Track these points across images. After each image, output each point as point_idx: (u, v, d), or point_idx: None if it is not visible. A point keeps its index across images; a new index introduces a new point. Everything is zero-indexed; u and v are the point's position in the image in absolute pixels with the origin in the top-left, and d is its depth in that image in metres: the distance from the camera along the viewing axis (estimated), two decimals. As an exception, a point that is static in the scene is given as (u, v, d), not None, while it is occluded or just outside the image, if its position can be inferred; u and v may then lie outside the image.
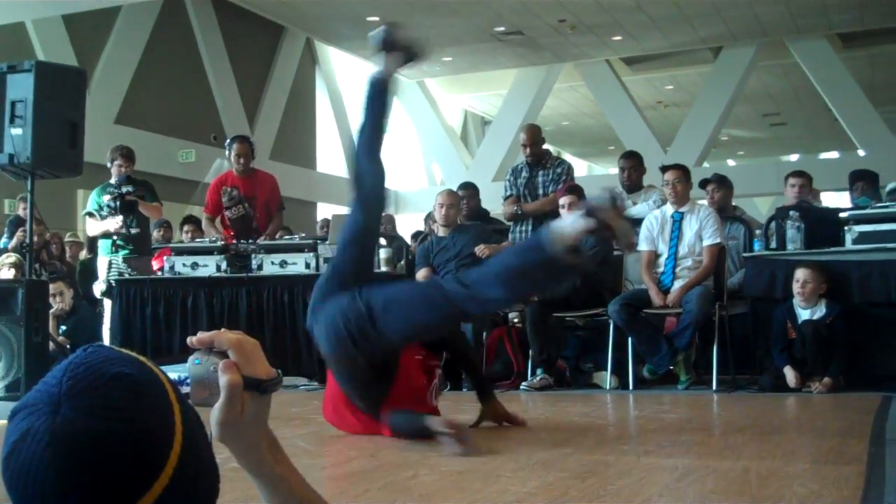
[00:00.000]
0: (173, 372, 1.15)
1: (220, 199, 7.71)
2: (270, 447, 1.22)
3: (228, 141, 7.83)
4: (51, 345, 6.53)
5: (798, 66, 17.63)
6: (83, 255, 9.72)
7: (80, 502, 0.92)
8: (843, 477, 2.89)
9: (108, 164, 7.69)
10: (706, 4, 14.74)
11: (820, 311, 5.91)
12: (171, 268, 7.31)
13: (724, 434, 4.24)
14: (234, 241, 7.40)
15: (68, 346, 7.34)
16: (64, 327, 7.87)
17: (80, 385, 0.95)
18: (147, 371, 1.01)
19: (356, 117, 4.69)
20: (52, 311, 7.09)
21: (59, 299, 7.78)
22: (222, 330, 1.21)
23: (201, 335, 1.20)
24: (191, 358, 1.19)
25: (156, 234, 9.45)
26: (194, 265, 7.26)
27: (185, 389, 1.15)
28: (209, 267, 7.23)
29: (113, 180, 7.61)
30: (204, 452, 1.05)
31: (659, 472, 3.15)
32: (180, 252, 7.42)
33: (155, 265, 7.52)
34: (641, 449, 3.65)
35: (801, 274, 5.93)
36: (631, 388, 6.30)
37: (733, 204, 7.69)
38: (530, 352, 6.57)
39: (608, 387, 6.42)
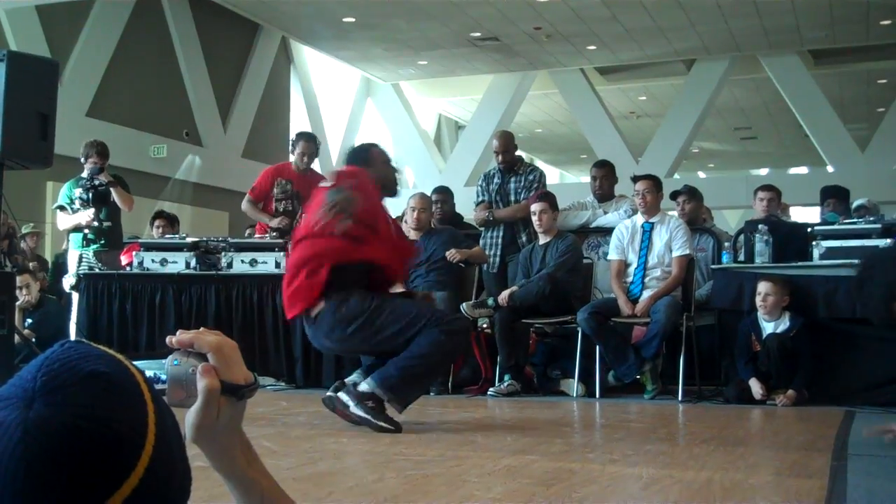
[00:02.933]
0: (149, 370, 1.15)
1: (271, 188, 7.58)
2: (244, 451, 1.23)
3: (294, 137, 7.71)
4: (16, 337, 6.46)
5: (770, 82, 17.80)
6: (47, 247, 9.61)
7: (50, 498, 0.91)
8: (805, 490, 2.92)
9: (82, 160, 7.62)
10: (681, 17, 14.84)
11: (783, 325, 5.96)
12: (140, 263, 7.26)
13: (688, 444, 4.27)
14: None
15: (34, 340, 7.27)
16: (30, 320, 7.80)
17: (55, 382, 0.94)
18: (123, 370, 1.00)
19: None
20: (18, 303, 7.02)
21: (26, 292, 7.71)
22: (202, 330, 1.21)
23: (181, 335, 1.19)
24: (169, 358, 1.18)
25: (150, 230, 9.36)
26: (163, 261, 7.21)
27: (161, 387, 1.15)
28: (178, 263, 7.19)
29: (85, 173, 7.55)
30: (176, 454, 1.04)
31: (623, 481, 3.17)
32: (149, 248, 7.37)
33: (124, 260, 7.47)
34: (607, 457, 3.67)
35: (762, 287, 5.99)
36: (597, 396, 6.33)
37: (707, 208, 7.74)
38: (498, 358, 6.58)
39: (575, 394, 6.44)
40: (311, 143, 7.56)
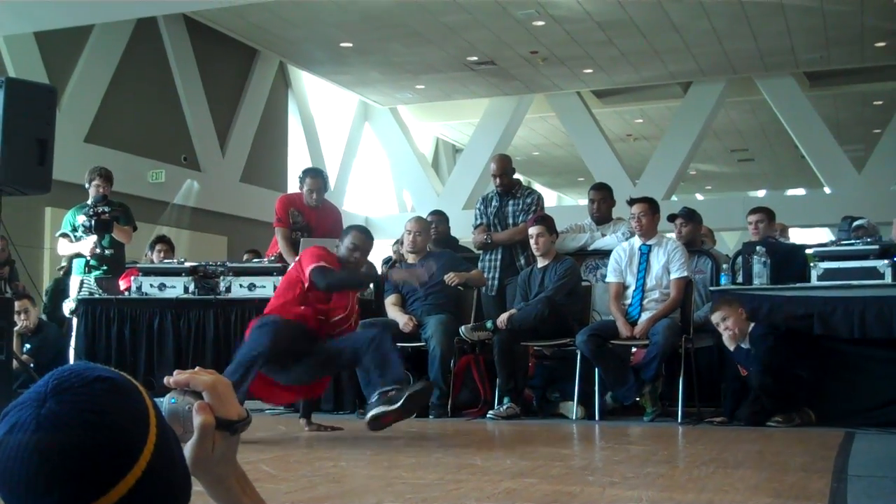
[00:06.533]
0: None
1: (289, 216, 7.38)
2: (239, 480, 1.32)
3: (302, 173, 7.46)
4: (14, 363, 6.45)
5: (766, 103, 17.86)
6: (45, 273, 9.58)
7: (61, 485, 1.01)
8: (805, 511, 2.92)
9: (87, 185, 7.62)
10: (676, 40, 14.92)
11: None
12: (139, 288, 7.25)
13: (688, 467, 4.26)
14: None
15: (32, 365, 7.25)
16: (28, 346, 7.79)
17: (65, 384, 1.05)
18: (126, 380, 1.11)
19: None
20: (16, 328, 7.01)
21: (24, 317, 7.70)
22: (197, 369, 1.31)
23: (178, 376, 1.29)
24: (167, 396, 1.28)
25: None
26: (161, 286, 7.21)
27: None
28: (177, 288, 7.18)
29: (89, 200, 7.55)
30: (177, 454, 1.14)
31: (624, 504, 3.16)
32: (148, 272, 7.36)
33: (122, 285, 7.46)
34: (606, 480, 3.66)
35: (716, 317, 6.02)
36: (597, 418, 6.32)
37: (710, 230, 7.72)
38: (497, 380, 6.57)
39: (574, 417, 6.43)
40: (317, 178, 7.33)
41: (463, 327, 6.66)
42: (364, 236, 5.55)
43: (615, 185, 8.18)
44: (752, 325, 5.98)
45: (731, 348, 5.97)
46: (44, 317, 8.40)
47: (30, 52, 11.99)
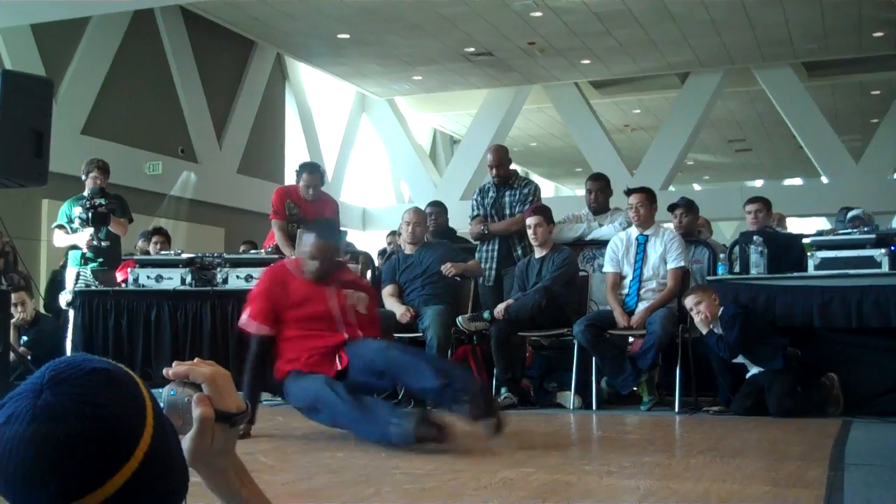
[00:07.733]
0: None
1: (286, 207, 7.32)
2: (238, 472, 1.33)
3: (299, 168, 7.39)
4: (11, 355, 6.45)
5: (763, 94, 17.85)
6: (42, 264, 9.58)
7: (56, 476, 1.00)
8: (802, 501, 2.92)
9: (83, 177, 7.59)
10: (674, 31, 14.90)
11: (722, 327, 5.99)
12: (135, 280, 7.24)
13: (685, 456, 4.27)
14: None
15: (29, 357, 7.24)
16: (25, 338, 7.78)
17: (61, 376, 1.04)
18: (123, 371, 1.10)
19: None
20: (13, 320, 7.00)
21: (21, 309, 7.69)
22: (196, 361, 1.31)
23: (177, 368, 1.29)
24: (166, 388, 1.28)
25: (141, 243, 9.29)
26: (158, 277, 7.20)
27: None
28: (174, 280, 7.17)
29: (86, 192, 7.53)
30: (174, 449, 1.13)
31: (620, 493, 3.17)
32: (144, 264, 7.35)
33: (119, 277, 7.45)
34: (603, 469, 3.66)
35: (690, 302, 6.04)
36: (594, 408, 6.33)
37: (706, 220, 7.73)
38: (495, 371, 6.57)
39: (572, 407, 6.44)
40: (314, 174, 7.27)
41: (460, 318, 6.66)
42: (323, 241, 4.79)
43: (613, 176, 8.17)
44: (721, 308, 5.99)
45: (704, 332, 6.00)
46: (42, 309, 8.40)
47: (26, 44, 11.97)
